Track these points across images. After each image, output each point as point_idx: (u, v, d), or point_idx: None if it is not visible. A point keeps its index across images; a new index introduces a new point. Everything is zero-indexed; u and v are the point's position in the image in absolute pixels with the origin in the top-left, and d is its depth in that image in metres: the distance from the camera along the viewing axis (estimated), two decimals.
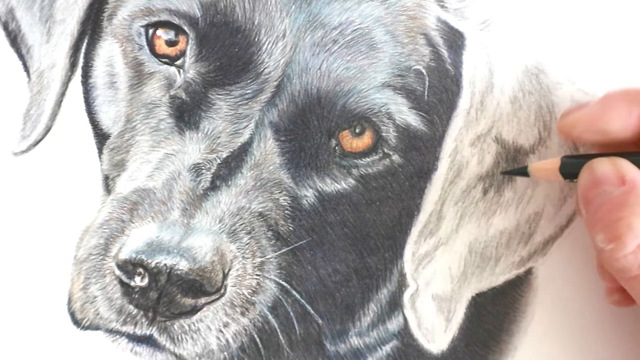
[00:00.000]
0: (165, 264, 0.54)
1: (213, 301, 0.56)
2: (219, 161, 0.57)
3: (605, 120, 0.54)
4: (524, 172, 0.59)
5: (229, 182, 0.57)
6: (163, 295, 0.55)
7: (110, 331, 0.57)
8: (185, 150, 0.58)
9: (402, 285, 0.61)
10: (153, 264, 0.54)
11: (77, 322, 0.57)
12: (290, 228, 0.58)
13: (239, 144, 0.58)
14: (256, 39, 0.58)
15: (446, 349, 0.61)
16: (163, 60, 0.60)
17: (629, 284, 0.52)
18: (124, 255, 0.54)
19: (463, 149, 0.60)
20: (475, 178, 0.61)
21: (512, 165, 0.61)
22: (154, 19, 0.59)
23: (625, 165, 0.53)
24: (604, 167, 0.54)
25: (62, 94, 0.63)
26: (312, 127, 0.58)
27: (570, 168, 0.56)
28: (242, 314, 0.57)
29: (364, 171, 0.59)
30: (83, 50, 0.63)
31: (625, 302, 0.58)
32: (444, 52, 0.60)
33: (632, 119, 0.54)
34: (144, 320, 0.56)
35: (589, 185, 0.54)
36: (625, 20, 0.63)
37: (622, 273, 0.52)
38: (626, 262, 0.51)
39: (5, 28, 0.64)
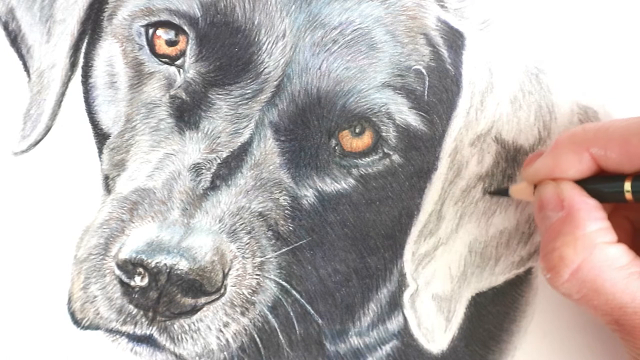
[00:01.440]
0: (165, 264, 0.54)
1: (213, 301, 0.56)
2: (219, 161, 0.57)
3: (559, 170, 0.55)
4: (506, 192, 0.60)
5: (229, 182, 0.57)
6: (163, 295, 0.55)
7: (110, 331, 0.57)
8: (185, 150, 0.58)
9: (402, 285, 0.61)
10: (153, 264, 0.54)
11: (77, 322, 0.57)
12: (290, 228, 0.58)
13: (239, 143, 0.58)
14: (256, 39, 0.58)
15: (446, 348, 0.61)
16: (163, 60, 0.60)
17: (577, 305, 0.55)
18: (124, 255, 0.54)
19: (463, 148, 0.60)
20: (475, 178, 0.61)
21: (511, 165, 0.61)
22: (154, 18, 0.59)
23: (566, 189, 0.55)
24: (547, 190, 0.55)
25: (62, 94, 0.63)
26: (312, 127, 0.58)
27: None
28: (242, 313, 0.57)
29: (364, 171, 0.59)
30: (83, 50, 0.63)
31: None
32: (444, 52, 0.60)
33: (583, 165, 0.55)
34: (143, 320, 0.56)
35: (536, 208, 0.56)
36: (625, 21, 0.63)
37: (566, 297, 0.54)
38: (565, 289, 0.54)
39: (6, 28, 0.64)
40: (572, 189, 0.54)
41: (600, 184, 0.55)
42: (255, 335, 0.57)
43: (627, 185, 0.54)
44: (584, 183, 0.55)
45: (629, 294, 0.52)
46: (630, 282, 0.52)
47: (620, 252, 0.53)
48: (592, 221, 0.53)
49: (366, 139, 0.59)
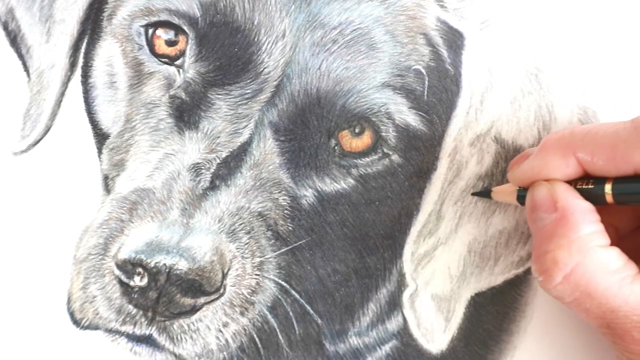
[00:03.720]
0: (164, 264, 0.54)
1: (212, 301, 0.56)
2: (218, 161, 0.57)
3: (546, 173, 0.55)
4: (488, 194, 0.60)
5: (229, 182, 0.57)
6: (162, 295, 0.55)
7: (110, 331, 0.57)
8: (185, 150, 0.58)
9: (401, 285, 0.61)
10: (152, 264, 0.54)
11: (76, 322, 0.57)
12: (290, 228, 0.58)
13: (239, 143, 0.58)
14: (256, 39, 0.58)
15: (445, 348, 0.61)
16: (163, 60, 0.60)
17: (568, 307, 0.54)
18: (123, 255, 0.54)
19: (462, 148, 0.60)
20: (475, 178, 0.61)
21: None
22: (154, 18, 0.59)
23: (560, 191, 0.54)
24: (541, 191, 0.55)
25: (62, 94, 0.63)
26: (311, 127, 0.58)
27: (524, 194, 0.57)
28: (242, 313, 0.57)
29: (364, 171, 0.59)
30: (83, 50, 0.63)
31: None
32: (444, 52, 0.60)
33: (570, 169, 0.54)
34: (143, 320, 0.56)
35: (528, 208, 0.56)
36: (624, 21, 0.63)
37: (558, 299, 0.54)
38: (557, 292, 0.53)
39: (5, 28, 0.64)
40: (565, 191, 0.54)
41: (582, 185, 0.55)
42: (255, 335, 0.58)
43: (608, 188, 0.54)
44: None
45: (621, 297, 0.52)
46: (622, 286, 0.52)
47: (614, 256, 0.53)
48: (586, 224, 0.53)
49: (366, 139, 0.59)
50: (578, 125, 0.61)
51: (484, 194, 0.60)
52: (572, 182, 0.55)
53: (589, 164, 0.54)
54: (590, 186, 0.54)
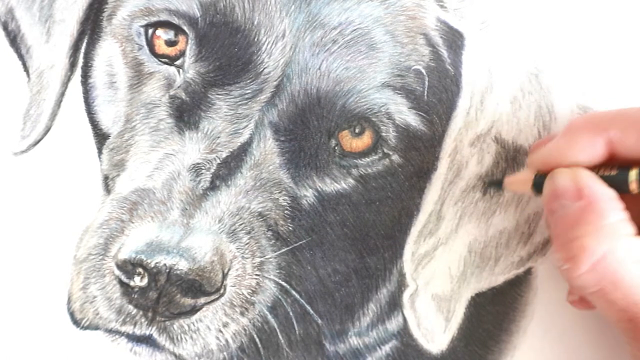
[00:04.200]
0: (164, 264, 0.54)
1: (212, 301, 0.56)
2: (218, 161, 0.57)
3: (571, 153, 0.54)
4: (500, 184, 0.59)
5: (229, 182, 0.57)
6: (162, 295, 0.55)
7: (110, 331, 0.57)
8: (185, 150, 0.58)
9: (401, 285, 0.61)
10: (152, 264, 0.54)
11: (76, 322, 0.57)
12: (290, 228, 0.58)
13: (239, 144, 0.58)
14: (256, 39, 0.58)
15: (445, 349, 0.61)
16: (163, 60, 0.60)
17: (590, 298, 0.53)
18: (123, 255, 0.54)
19: (463, 148, 0.60)
20: (475, 178, 0.61)
21: (511, 165, 0.61)
22: (154, 18, 0.59)
23: (585, 178, 0.53)
24: (563, 178, 0.53)
25: (62, 94, 0.63)
26: (311, 127, 0.58)
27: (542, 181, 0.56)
28: (242, 313, 0.57)
29: (364, 171, 0.59)
30: (83, 50, 0.63)
31: (583, 305, 0.58)
32: (444, 52, 0.60)
33: (597, 150, 0.53)
34: (143, 320, 0.56)
35: (549, 197, 0.54)
36: (624, 21, 0.63)
37: (581, 290, 0.52)
38: (582, 281, 0.51)
39: (5, 28, 0.64)
40: (591, 177, 0.52)
41: (605, 173, 0.53)
42: (255, 336, 0.58)
43: (633, 175, 0.52)
44: None
45: None
46: None
47: None
48: (613, 211, 0.51)
49: (366, 139, 0.59)
50: None
51: (496, 183, 0.59)
52: (593, 170, 0.53)
53: (619, 144, 0.52)
54: (613, 172, 0.53)
